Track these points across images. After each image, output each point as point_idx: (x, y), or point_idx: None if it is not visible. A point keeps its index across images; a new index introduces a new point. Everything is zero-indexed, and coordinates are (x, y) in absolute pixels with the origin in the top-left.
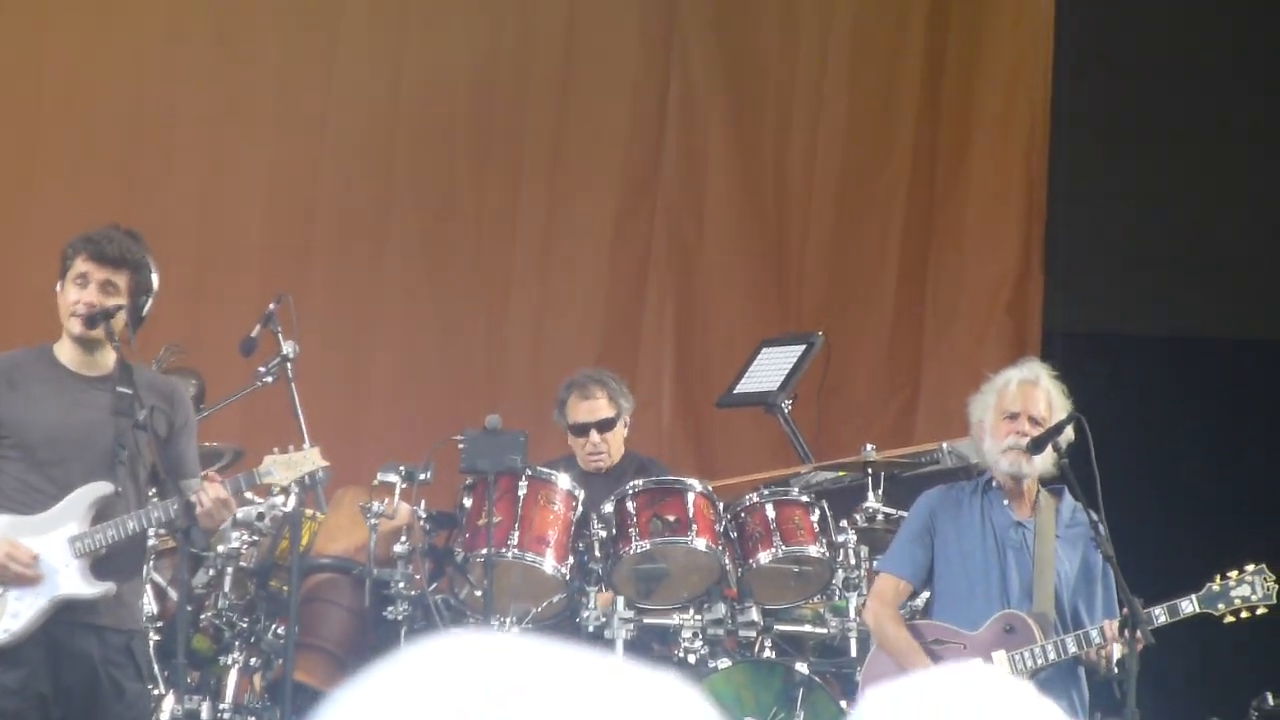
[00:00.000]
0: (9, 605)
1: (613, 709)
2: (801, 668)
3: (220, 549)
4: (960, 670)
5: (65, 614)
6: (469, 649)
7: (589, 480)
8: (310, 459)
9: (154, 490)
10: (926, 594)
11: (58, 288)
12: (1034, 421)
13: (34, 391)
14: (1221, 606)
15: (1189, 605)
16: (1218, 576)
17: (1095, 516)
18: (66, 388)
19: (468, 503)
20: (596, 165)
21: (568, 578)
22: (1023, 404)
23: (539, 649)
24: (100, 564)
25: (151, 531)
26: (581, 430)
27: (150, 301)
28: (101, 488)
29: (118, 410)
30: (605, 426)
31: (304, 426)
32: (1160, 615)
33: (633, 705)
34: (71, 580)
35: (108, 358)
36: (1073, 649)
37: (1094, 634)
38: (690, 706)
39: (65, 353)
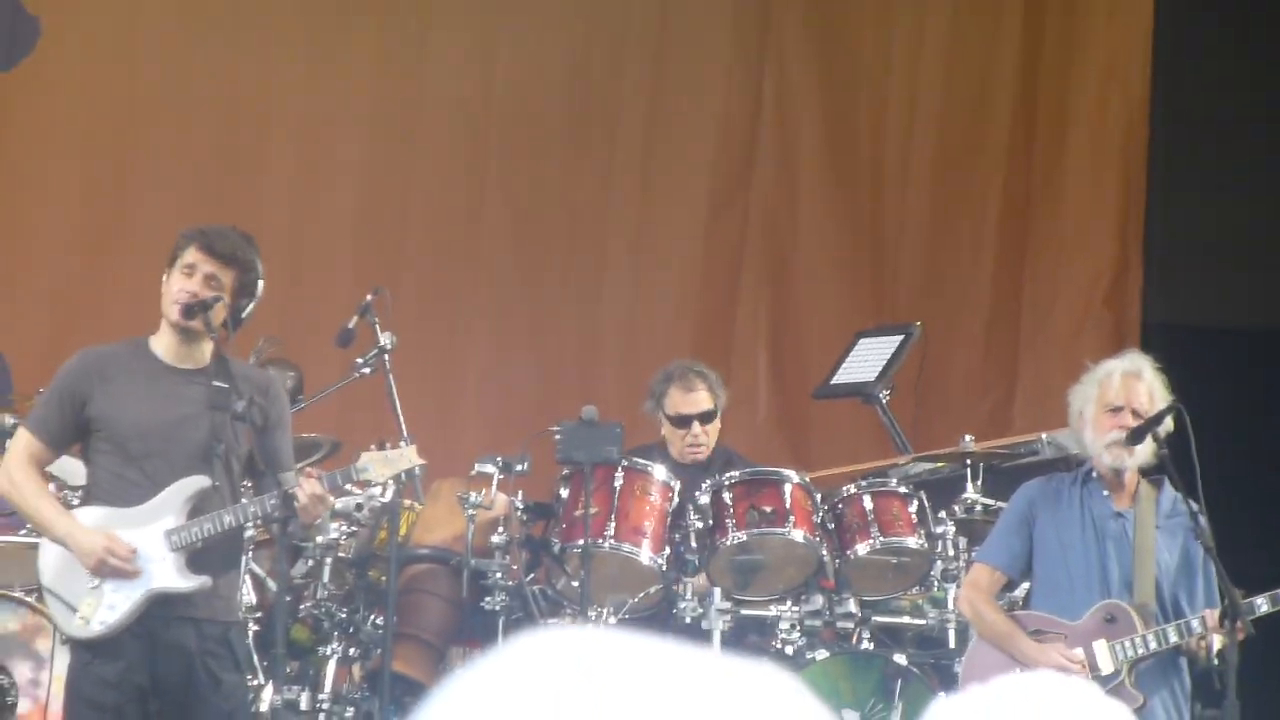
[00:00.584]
0: (105, 598)
1: (714, 704)
2: (900, 659)
3: (319, 540)
4: (1055, 681)
5: (161, 607)
6: (567, 644)
7: (679, 471)
8: (407, 457)
9: (248, 482)
10: (1026, 585)
11: (164, 278)
12: (1137, 415)
13: (126, 384)
14: None
15: None
16: None
17: (1196, 507)
18: (160, 380)
19: (564, 493)
20: (690, 158)
21: (664, 569)
22: (1126, 397)
23: (637, 643)
24: (196, 557)
25: (249, 524)
26: (683, 422)
27: (252, 306)
28: (199, 481)
29: (214, 404)
30: (707, 418)
31: (401, 418)
32: (1262, 604)
33: (734, 699)
34: (167, 573)
35: (204, 351)
36: (1174, 638)
37: (1195, 623)
38: (793, 699)
39: (161, 345)
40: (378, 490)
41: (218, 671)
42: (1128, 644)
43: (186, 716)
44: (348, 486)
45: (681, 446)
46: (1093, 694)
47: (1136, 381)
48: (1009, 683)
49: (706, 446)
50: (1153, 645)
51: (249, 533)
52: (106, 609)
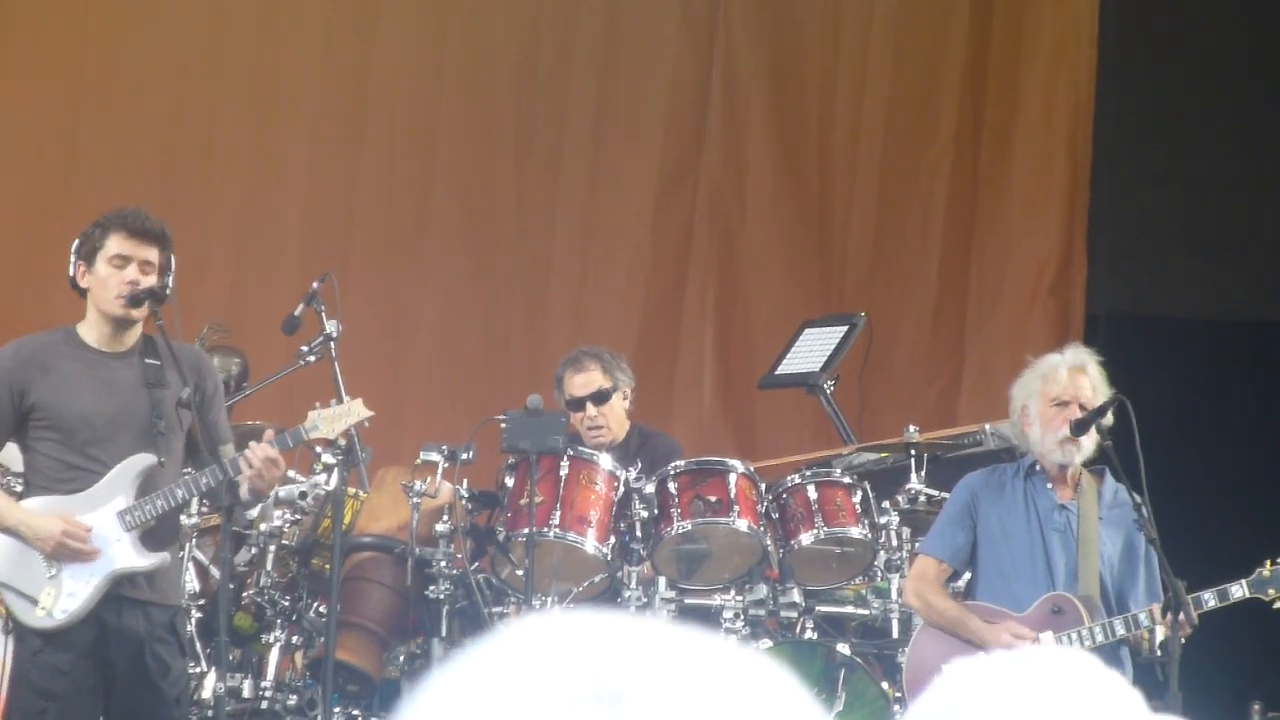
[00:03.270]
0: (65, 585)
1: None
2: (843, 649)
3: (263, 527)
4: (1043, 653)
5: (115, 589)
6: (558, 630)
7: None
8: (355, 410)
9: (188, 468)
10: (968, 575)
11: (75, 269)
12: (1083, 409)
13: (66, 374)
14: (1272, 591)
15: (1239, 590)
16: (1268, 561)
17: (1139, 499)
18: (97, 367)
19: (510, 482)
20: (637, 144)
21: (609, 558)
22: (1074, 392)
23: (639, 628)
24: (147, 536)
25: (195, 509)
26: (577, 405)
27: (172, 278)
28: (145, 459)
29: (148, 382)
30: (600, 399)
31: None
32: (1210, 599)
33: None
34: (125, 554)
35: (135, 333)
36: (1120, 631)
37: (1143, 617)
38: (782, 686)
39: (92, 333)
40: (322, 478)
41: (166, 658)
42: (1074, 636)
43: (135, 702)
44: (293, 474)
45: (582, 430)
46: (1089, 664)
47: (1081, 375)
48: (1006, 661)
49: (607, 429)
50: (1099, 638)
51: (193, 520)
52: (67, 597)
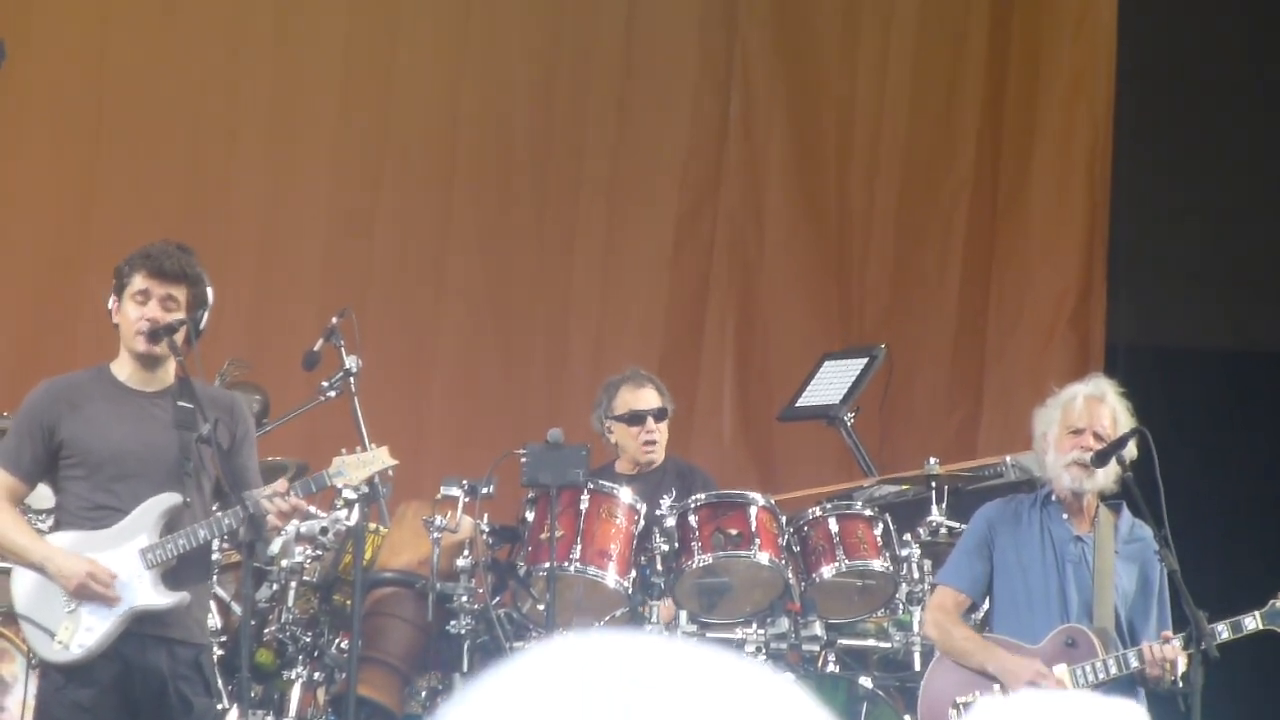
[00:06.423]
0: (83, 620)
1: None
2: (865, 682)
3: (284, 563)
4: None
5: (136, 626)
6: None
7: (631, 482)
8: (379, 458)
9: (217, 505)
10: (986, 606)
11: (111, 304)
12: (1099, 437)
13: (95, 411)
14: None
15: (1253, 622)
16: None
17: (1161, 530)
18: (127, 405)
19: (530, 516)
20: (656, 178)
21: (630, 591)
22: (1089, 420)
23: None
24: (171, 574)
25: (216, 545)
26: (638, 418)
27: (207, 315)
28: (170, 499)
29: (180, 423)
30: (660, 415)
31: (367, 440)
32: (1224, 631)
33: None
34: (145, 592)
35: (168, 373)
36: (1134, 663)
37: (1157, 646)
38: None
39: (124, 370)
40: (343, 513)
41: (189, 695)
42: (1089, 668)
43: None
44: (314, 509)
45: (636, 447)
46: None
47: (1099, 404)
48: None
49: (660, 445)
50: (1113, 670)
51: (214, 556)
52: (85, 631)
